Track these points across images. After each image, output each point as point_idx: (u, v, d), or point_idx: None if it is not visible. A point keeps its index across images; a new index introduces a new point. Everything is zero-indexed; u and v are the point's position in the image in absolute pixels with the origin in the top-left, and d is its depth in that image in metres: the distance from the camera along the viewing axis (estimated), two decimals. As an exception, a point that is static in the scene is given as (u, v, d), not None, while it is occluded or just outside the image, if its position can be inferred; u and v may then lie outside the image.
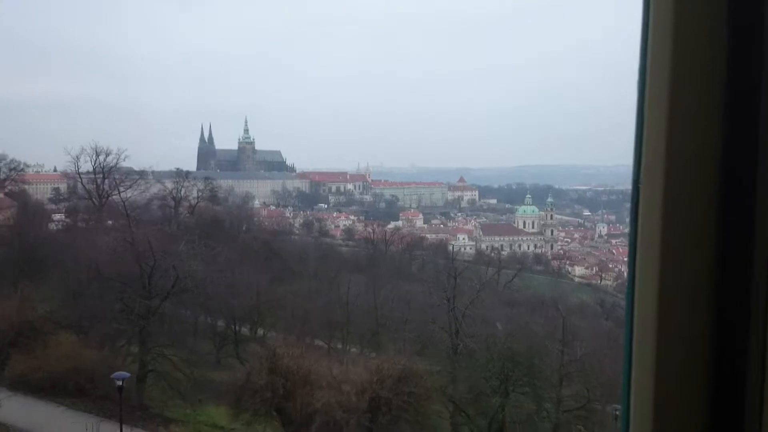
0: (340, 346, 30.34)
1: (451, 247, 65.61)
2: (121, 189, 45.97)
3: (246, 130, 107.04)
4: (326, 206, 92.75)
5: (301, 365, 20.02)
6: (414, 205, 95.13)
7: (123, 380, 17.66)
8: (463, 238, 78.19)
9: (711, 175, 1.11)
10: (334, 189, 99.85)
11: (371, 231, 64.05)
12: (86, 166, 47.72)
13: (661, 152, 1.11)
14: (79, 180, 50.56)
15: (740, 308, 1.11)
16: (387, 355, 22.55)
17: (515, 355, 21.88)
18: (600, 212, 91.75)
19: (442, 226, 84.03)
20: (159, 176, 61.48)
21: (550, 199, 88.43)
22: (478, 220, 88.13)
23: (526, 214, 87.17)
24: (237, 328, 30.90)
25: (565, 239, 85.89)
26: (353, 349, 29.16)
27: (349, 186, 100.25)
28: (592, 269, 68.00)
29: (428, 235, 72.94)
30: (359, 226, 74.09)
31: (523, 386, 21.38)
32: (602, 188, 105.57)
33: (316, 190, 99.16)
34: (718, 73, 1.09)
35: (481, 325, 26.40)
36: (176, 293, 24.50)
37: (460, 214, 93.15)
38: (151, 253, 23.69)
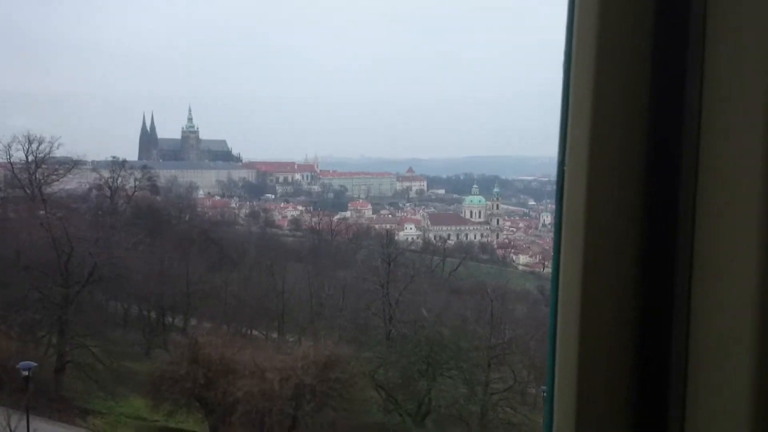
0: (276, 335, 29.99)
1: (396, 237, 65.71)
2: (54, 178, 44.56)
3: (190, 119, 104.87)
4: (273, 197, 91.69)
5: (223, 354, 19.61)
6: (363, 196, 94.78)
7: (29, 370, 16.99)
8: (411, 228, 78.40)
9: (636, 157, 1.11)
10: (281, 179, 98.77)
11: (317, 221, 63.70)
12: (19, 154, 46.18)
13: (586, 132, 1.11)
14: (11, 169, 48.88)
15: (664, 292, 1.12)
16: (320, 342, 22.31)
17: (443, 339, 21.89)
18: (544, 202, 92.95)
19: (390, 216, 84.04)
20: (99, 166, 59.90)
21: (496, 190, 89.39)
22: (426, 210, 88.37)
23: (473, 204, 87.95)
24: (170, 318, 30.28)
25: (511, 228, 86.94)
26: (291, 338, 28.84)
27: (297, 176, 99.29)
28: (535, 257, 69.00)
29: (376, 225, 72.95)
30: (307, 217, 73.61)
31: (450, 370, 21.40)
32: (546, 178, 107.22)
33: (263, 180, 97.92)
34: (643, 53, 1.10)
35: (418, 312, 26.38)
36: (96, 281, 23.76)
37: (408, 204, 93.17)
38: (68, 241, 22.91)
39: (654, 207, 1.12)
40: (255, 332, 29.51)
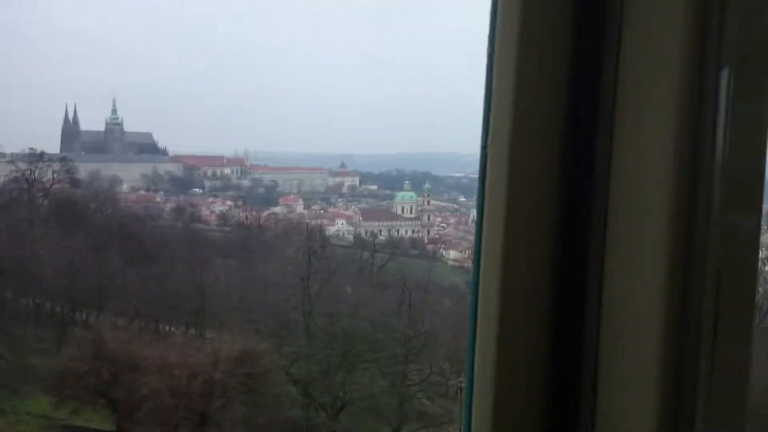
0: (193, 331, 29.31)
1: (327, 232, 65.47)
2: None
3: (114, 111, 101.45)
4: (201, 191, 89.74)
5: (130, 350, 19.00)
6: (294, 191, 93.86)
7: None
8: (342, 224, 78.22)
9: (555, 146, 1.12)
10: (210, 173, 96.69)
11: (246, 216, 62.73)
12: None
13: (508, 117, 1.12)
14: None
15: (579, 284, 1.13)
16: (235, 337, 21.90)
17: (360, 331, 21.83)
18: (474, 198, 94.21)
19: (322, 211, 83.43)
20: (18, 158, 57.37)
21: (427, 186, 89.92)
22: (358, 206, 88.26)
23: (405, 200, 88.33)
24: (82, 314, 29.21)
25: (441, 224, 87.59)
26: (209, 334, 28.26)
27: (227, 171, 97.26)
28: (464, 253, 69.78)
29: (307, 221, 72.46)
30: (236, 212, 72.41)
31: (367, 362, 21.33)
32: (476, 175, 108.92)
33: (191, 174, 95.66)
34: (563, 47, 1.12)
35: (338, 306, 26.25)
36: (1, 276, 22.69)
37: (340, 200, 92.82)
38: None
39: (570, 198, 1.13)
40: (172, 328, 28.75)
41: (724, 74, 1.11)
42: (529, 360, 1.15)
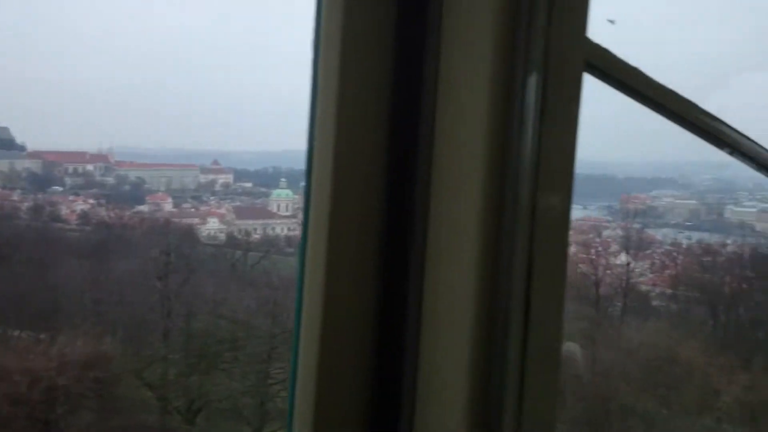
0: (43, 335, 27.56)
1: (199, 231, 63.65)
2: None
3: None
4: (62, 189, 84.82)
5: (-38, 356, 17.58)
6: (163, 188, 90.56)
7: None
8: (215, 222, 76.24)
9: (379, 150, 1.15)
10: (71, 170, 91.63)
11: (108, 215, 59.78)
12: None
13: (332, 117, 1.13)
14: None
15: (402, 283, 1.16)
16: (86, 340, 20.78)
17: (219, 331, 21.33)
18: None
19: (193, 210, 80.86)
20: None
21: (303, 183, 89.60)
22: (232, 204, 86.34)
23: (281, 197, 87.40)
24: None
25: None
26: (60, 338, 26.66)
27: (89, 167, 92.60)
28: (339, 251, 70.24)
29: (176, 219, 70.00)
30: (99, 211, 68.79)
31: (225, 363, 20.87)
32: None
33: (50, 171, 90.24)
34: (386, 51, 1.15)
35: (202, 306, 25.47)
36: None
37: (213, 197, 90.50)
38: None
39: (394, 195, 1.15)
40: (18, 333, 26.88)
41: (533, 74, 1.16)
42: (352, 362, 1.15)
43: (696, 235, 29.07)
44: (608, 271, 22.38)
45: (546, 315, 1.23)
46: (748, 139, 2.35)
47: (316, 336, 1.14)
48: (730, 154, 2.33)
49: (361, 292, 1.16)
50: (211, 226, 79.72)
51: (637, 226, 29.23)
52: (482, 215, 1.13)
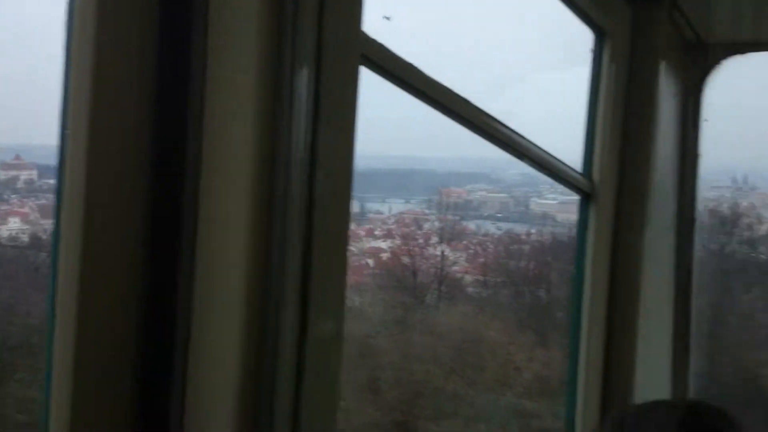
0: None
1: (-4, 231, 58.26)
2: None
3: None
4: None
5: None
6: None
7: None
8: (16, 222, 70.11)
9: (141, 143, 1.09)
10: None
11: None
12: None
13: (86, 107, 1.07)
14: None
15: (170, 280, 1.12)
16: None
17: (11, 339, 19.34)
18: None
19: (-9, 208, 74.09)
20: None
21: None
22: (36, 202, 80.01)
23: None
24: None
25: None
26: None
27: None
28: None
29: (-30, 219, 63.69)
30: None
31: (19, 372, 18.98)
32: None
33: None
34: (146, 41, 1.10)
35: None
36: None
37: (15, 195, 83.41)
38: None
39: (160, 194, 1.11)
40: None
41: (305, 68, 1.14)
42: (112, 363, 1.09)
43: (505, 226, 31.18)
44: (427, 261, 23.19)
45: (324, 312, 1.23)
46: (521, 136, 2.43)
47: (71, 338, 1.08)
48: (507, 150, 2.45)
49: (121, 291, 1.11)
50: (13, 227, 73.46)
51: (454, 218, 30.75)
52: (252, 212, 1.12)
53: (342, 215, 1.32)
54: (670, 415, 1.28)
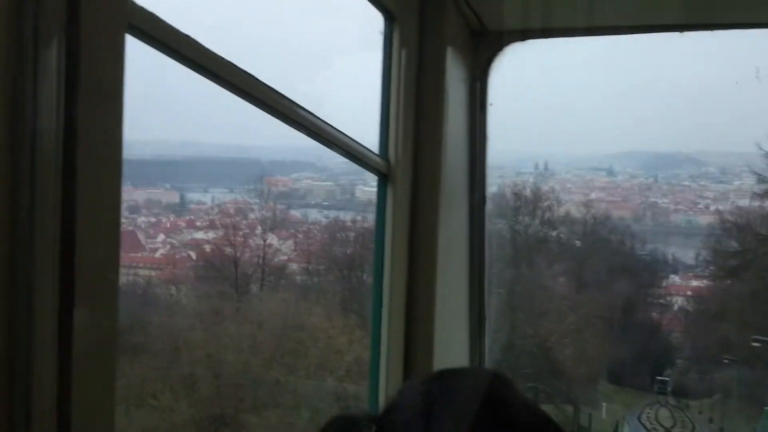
0: None
1: None
2: None
3: None
4: None
5: None
6: None
7: None
8: None
9: None
10: None
11: None
12: None
13: None
14: None
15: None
16: None
17: None
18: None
19: None
20: None
21: None
22: None
23: None
24: None
25: None
26: None
27: None
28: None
29: None
30: None
31: None
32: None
33: None
34: None
35: None
36: None
37: None
38: None
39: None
40: None
41: (52, 42, 1.07)
42: None
43: (332, 214, 31.42)
44: (251, 251, 22.83)
45: (92, 307, 1.13)
46: (318, 118, 2.43)
47: None
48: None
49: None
50: None
51: (280, 207, 30.46)
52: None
53: (111, 194, 1.23)
54: (432, 381, 1.32)
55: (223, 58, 1.83)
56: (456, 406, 1.23)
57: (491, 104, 3.07)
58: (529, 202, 37.93)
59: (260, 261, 21.78)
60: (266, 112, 2.16)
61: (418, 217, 2.87)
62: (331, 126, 2.56)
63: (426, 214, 2.87)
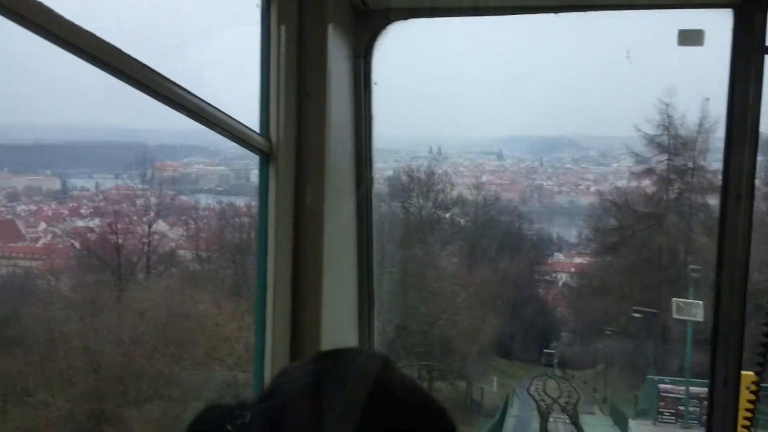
0: None
1: None
2: None
3: None
4: None
5: None
6: None
7: None
8: None
9: None
10: None
11: None
12: None
13: None
14: None
15: None
16: None
17: None
18: None
19: None
20: None
21: None
22: None
23: None
24: None
25: None
26: None
27: None
28: None
29: None
30: None
31: None
32: None
33: None
34: None
35: None
36: None
37: None
38: None
39: None
40: None
41: None
42: None
43: (226, 199, 30.62)
44: (138, 239, 21.96)
45: None
46: (194, 95, 2.30)
47: None
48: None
49: None
50: None
51: (170, 192, 29.34)
52: None
53: None
54: (312, 363, 1.28)
55: (96, 36, 1.73)
56: (333, 388, 1.20)
57: (376, 83, 3.02)
58: (423, 185, 38.51)
59: (147, 249, 21.03)
60: (142, 91, 2.02)
61: (303, 197, 2.79)
62: (210, 105, 2.44)
63: (311, 194, 2.80)
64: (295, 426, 1.17)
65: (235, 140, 2.66)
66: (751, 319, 2.44)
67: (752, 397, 2.53)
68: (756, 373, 2.56)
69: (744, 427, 2.52)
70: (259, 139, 2.67)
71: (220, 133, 2.62)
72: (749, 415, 2.54)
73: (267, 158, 2.72)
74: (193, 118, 2.41)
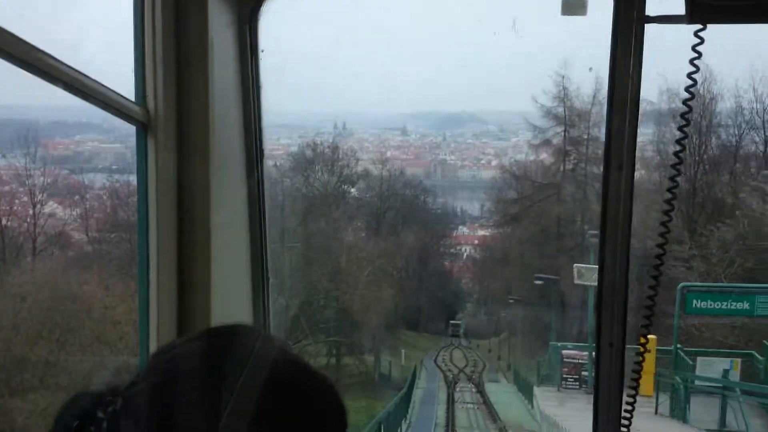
0: None
1: None
2: None
3: None
4: None
5: None
6: None
7: None
8: None
9: None
10: None
11: None
12: None
13: None
14: None
15: None
16: None
17: None
18: None
19: None
20: None
21: None
22: None
23: None
24: None
25: None
26: None
27: None
28: None
29: None
30: None
31: None
32: None
33: None
34: None
35: None
36: None
37: None
38: None
39: None
40: None
41: None
42: None
43: (122, 177, 29.44)
44: (25, 220, 21.00)
45: None
46: (59, 61, 2.08)
47: None
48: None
49: None
50: None
51: (62, 171, 27.96)
52: None
53: None
54: (197, 340, 1.20)
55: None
56: (211, 366, 1.13)
57: (263, 51, 2.89)
58: (328, 160, 38.32)
59: (33, 230, 20.07)
60: (9, 62, 1.81)
61: (188, 170, 2.65)
62: (81, 73, 2.25)
63: (195, 167, 2.65)
64: (169, 409, 1.10)
65: (109, 110, 2.48)
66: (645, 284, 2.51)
67: (639, 358, 2.61)
68: (641, 335, 2.64)
69: (631, 387, 2.59)
70: (135, 108, 2.50)
71: (95, 104, 2.44)
72: (636, 376, 2.61)
73: (145, 129, 2.56)
74: (64, 89, 2.22)
